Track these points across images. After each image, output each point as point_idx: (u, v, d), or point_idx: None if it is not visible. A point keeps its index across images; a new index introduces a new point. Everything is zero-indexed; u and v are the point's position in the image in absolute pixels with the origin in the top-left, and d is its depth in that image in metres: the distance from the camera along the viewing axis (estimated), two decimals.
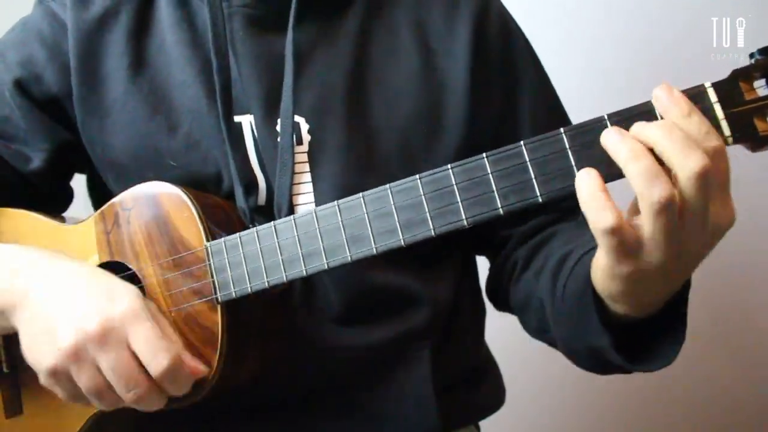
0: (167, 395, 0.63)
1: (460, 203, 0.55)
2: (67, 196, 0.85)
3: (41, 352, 0.61)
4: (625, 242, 0.49)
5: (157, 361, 0.60)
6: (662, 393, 1.35)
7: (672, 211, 0.47)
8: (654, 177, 0.47)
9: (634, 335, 0.61)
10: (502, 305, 0.85)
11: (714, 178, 0.48)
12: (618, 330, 0.59)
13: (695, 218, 0.49)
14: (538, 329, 0.75)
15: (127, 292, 0.62)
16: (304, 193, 0.72)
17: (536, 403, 1.39)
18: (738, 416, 1.33)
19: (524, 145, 0.54)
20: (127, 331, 0.60)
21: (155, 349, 0.60)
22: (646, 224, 0.49)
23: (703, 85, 0.50)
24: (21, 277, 0.64)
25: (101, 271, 0.66)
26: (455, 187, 0.56)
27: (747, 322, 1.33)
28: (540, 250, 0.76)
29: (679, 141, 0.47)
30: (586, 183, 0.49)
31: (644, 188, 0.47)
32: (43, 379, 0.63)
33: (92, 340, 0.59)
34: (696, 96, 0.50)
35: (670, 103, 0.49)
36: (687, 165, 0.47)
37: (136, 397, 0.61)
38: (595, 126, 0.52)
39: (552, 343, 0.73)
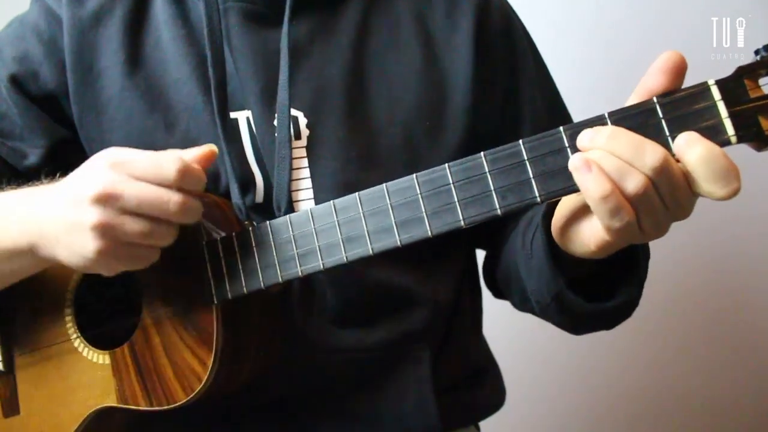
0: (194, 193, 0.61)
1: (457, 203, 0.54)
2: None
3: (83, 247, 0.60)
4: (620, 204, 0.49)
5: (166, 172, 0.58)
6: (663, 393, 1.34)
7: (651, 195, 0.48)
8: (624, 171, 0.48)
9: (596, 280, 0.63)
10: (496, 290, 0.85)
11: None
12: (577, 275, 0.62)
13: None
14: (519, 299, 0.75)
15: (97, 155, 0.61)
16: (303, 189, 0.71)
17: (536, 403, 1.38)
18: (739, 417, 1.32)
19: (522, 143, 0.53)
20: (126, 172, 0.58)
21: (156, 165, 0.58)
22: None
23: (706, 83, 0.49)
24: (21, 222, 0.64)
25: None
26: (452, 186, 0.54)
27: (747, 323, 1.32)
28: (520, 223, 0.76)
29: (631, 143, 0.48)
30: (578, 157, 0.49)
31: (618, 185, 0.48)
32: (96, 269, 0.62)
33: (107, 195, 0.57)
34: (699, 94, 0.49)
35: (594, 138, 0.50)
36: (645, 161, 0.48)
37: (176, 208, 0.59)
38: (596, 124, 0.51)
39: (532, 310, 0.73)
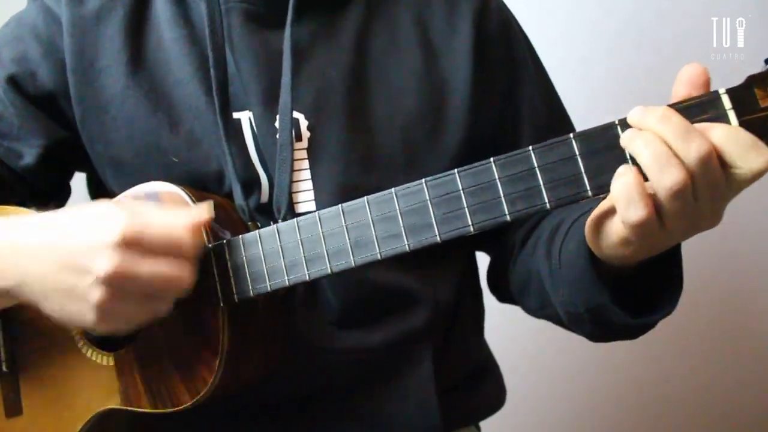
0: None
1: (466, 209, 0.54)
2: (64, 194, 0.84)
3: (79, 314, 0.59)
4: (654, 228, 0.49)
5: (180, 246, 0.58)
6: (665, 393, 1.35)
7: (686, 194, 0.48)
8: (666, 162, 0.47)
9: (631, 292, 0.62)
10: (504, 295, 0.85)
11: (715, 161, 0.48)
12: (615, 286, 0.61)
13: (701, 203, 0.49)
14: (538, 306, 0.75)
15: (106, 209, 0.59)
16: (304, 191, 0.71)
17: (537, 403, 1.39)
18: (740, 420, 1.33)
19: (532, 150, 0.53)
20: (141, 250, 0.57)
21: (170, 241, 0.58)
22: (663, 206, 0.49)
23: (717, 92, 0.49)
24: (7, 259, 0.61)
25: (63, 210, 0.62)
26: (462, 192, 0.54)
27: (749, 325, 1.33)
28: (534, 229, 0.76)
29: (680, 129, 0.47)
30: (622, 179, 0.49)
31: (656, 174, 0.48)
32: (99, 331, 0.61)
33: (117, 277, 0.56)
34: (710, 102, 0.49)
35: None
36: (690, 150, 0.47)
37: (190, 272, 0.59)
38: (606, 132, 0.51)
39: (553, 318, 0.73)
